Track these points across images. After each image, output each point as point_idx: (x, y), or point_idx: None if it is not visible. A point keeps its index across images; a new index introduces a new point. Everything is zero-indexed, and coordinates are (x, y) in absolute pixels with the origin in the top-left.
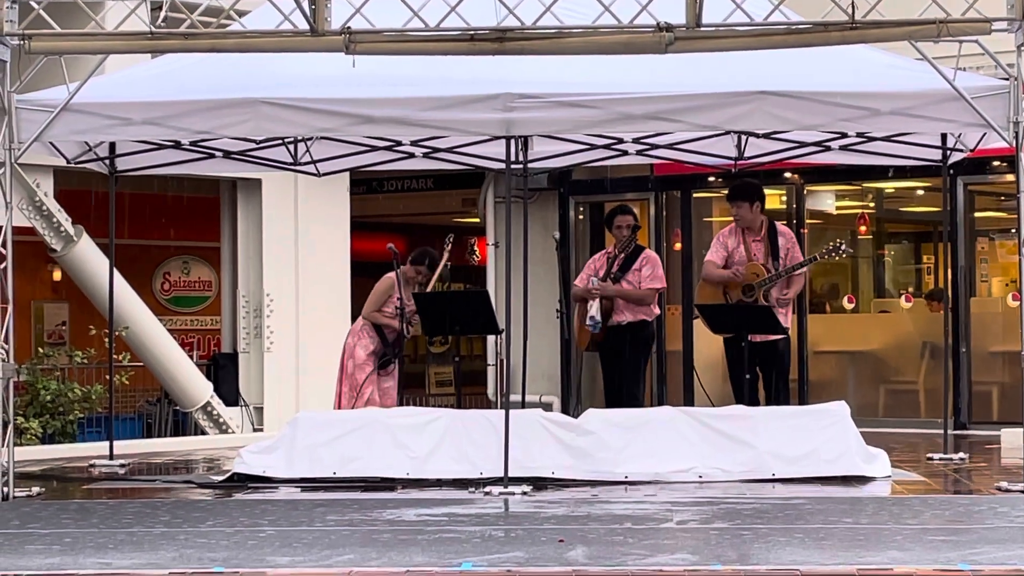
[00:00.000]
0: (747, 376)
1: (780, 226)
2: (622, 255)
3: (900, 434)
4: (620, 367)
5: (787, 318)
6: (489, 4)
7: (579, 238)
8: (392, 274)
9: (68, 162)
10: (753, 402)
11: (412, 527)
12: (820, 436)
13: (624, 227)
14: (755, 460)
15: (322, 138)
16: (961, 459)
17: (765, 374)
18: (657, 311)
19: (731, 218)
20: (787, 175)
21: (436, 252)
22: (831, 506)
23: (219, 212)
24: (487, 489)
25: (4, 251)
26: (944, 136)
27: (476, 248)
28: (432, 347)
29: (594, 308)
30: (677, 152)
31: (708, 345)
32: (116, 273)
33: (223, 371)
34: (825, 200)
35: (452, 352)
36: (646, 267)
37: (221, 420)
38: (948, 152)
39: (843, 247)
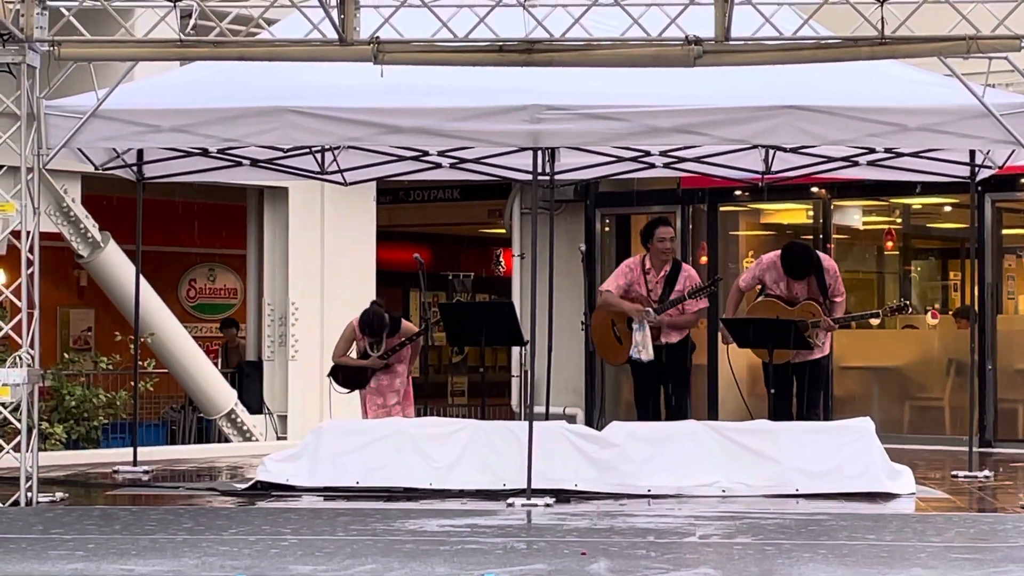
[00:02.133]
0: (771, 391)
1: (824, 260)
2: (663, 274)
3: (925, 451)
4: (662, 383)
5: (828, 337)
6: (518, 15)
7: (605, 250)
8: (352, 320)
9: (96, 168)
10: (783, 417)
11: (435, 538)
12: (844, 452)
13: (667, 239)
14: (779, 475)
15: (349, 147)
16: (986, 477)
17: (801, 393)
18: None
19: (759, 232)
20: (814, 190)
21: (381, 314)
22: (855, 522)
23: (245, 220)
24: (510, 501)
25: (31, 256)
26: (972, 152)
27: (502, 259)
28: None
29: (643, 338)
30: (704, 165)
31: (733, 359)
32: (142, 279)
33: (247, 379)
34: (852, 215)
35: (466, 362)
36: (691, 287)
37: (245, 428)
38: (976, 169)
39: (908, 308)
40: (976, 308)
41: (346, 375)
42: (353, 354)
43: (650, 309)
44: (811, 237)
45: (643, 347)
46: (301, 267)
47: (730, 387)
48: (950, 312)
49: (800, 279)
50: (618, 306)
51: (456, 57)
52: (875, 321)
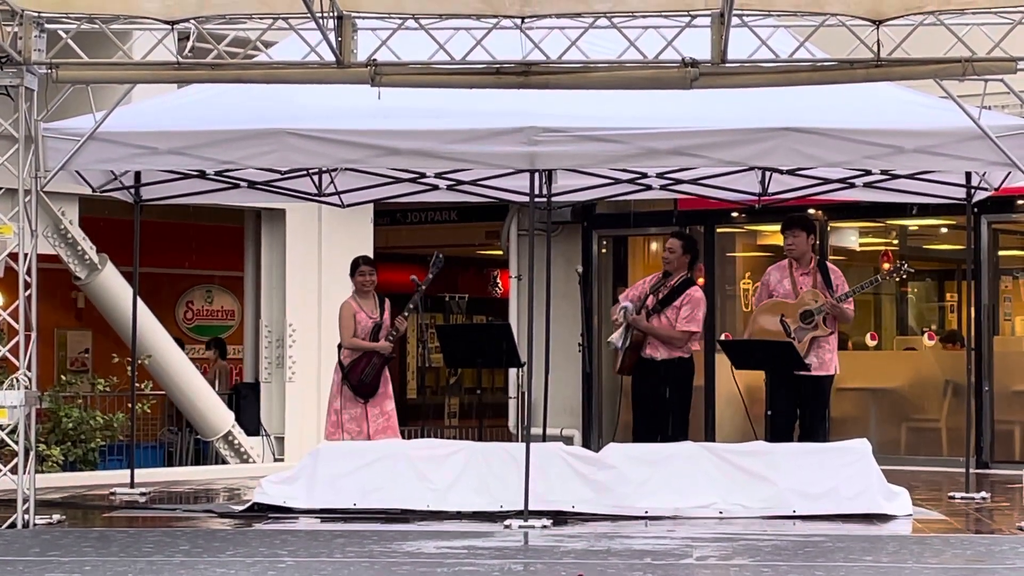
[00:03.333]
0: (768, 412)
1: (830, 264)
2: (668, 285)
3: (922, 472)
4: (653, 402)
5: (834, 356)
6: (515, 38)
7: (602, 272)
8: (346, 300)
9: (93, 191)
10: (784, 438)
11: (432, 559)
12: (841, 473)
13: (667, 251)
14: (776, 496)
15: (347, 169)
16: (983, 498)
17: (805, 411)
18: (696, 347)
19: (756, 253)
20: (811, 211)
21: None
22: (852, 544)
23: (243, 242)
24: (507, 522)
25: (29, 279)
26: (968, 174)
27: (499, 281)
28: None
29: (617, 333)
30: (701, 187)
31: (730, 380)
32: (139, 301)
33: (245, 400)
34: (849, 237)
35: (463, 384)
36: (686, 307)
37: (242, 449)
38: (972, 190)
39: (905, 266)
40: (972, 330)
41: (361, 383)
42: (358, 331)
43: (628, 305)
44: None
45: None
46: (298, 289)
47: (728, 407)
48: (938, 338)
49: (792, 228)
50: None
51: (453, 79)
52: (872, 342)
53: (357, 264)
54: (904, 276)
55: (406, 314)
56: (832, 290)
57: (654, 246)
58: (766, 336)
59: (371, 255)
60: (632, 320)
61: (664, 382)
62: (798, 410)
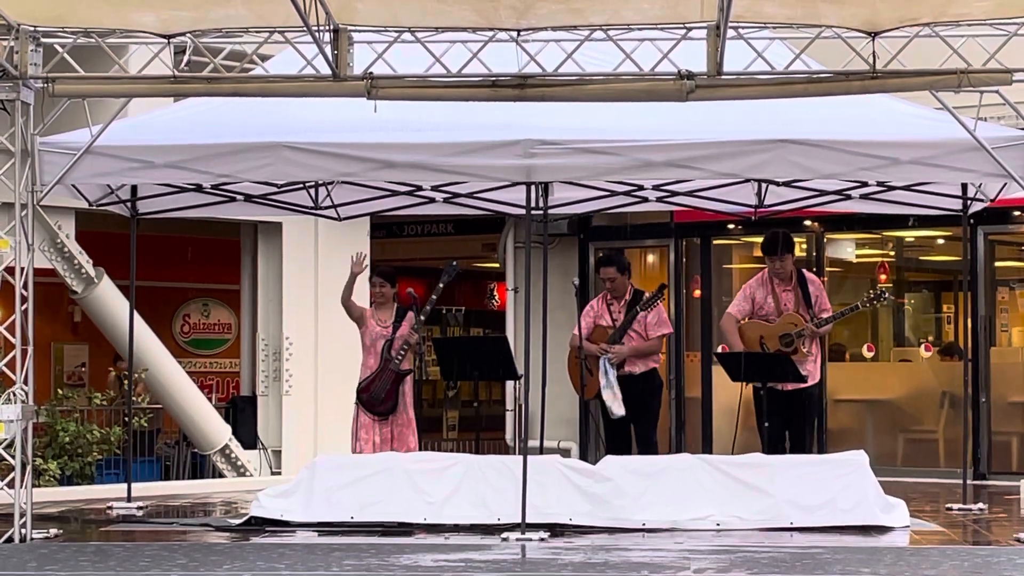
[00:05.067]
0: (766, 424)
1: (808, 274)
2: (621, 305)
3: (919, 483)
4: (632, 415)
5: (817, 366)
6: (511, 51)
7: (598, 284)
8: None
9: (90, 204)
10: (777, 450)
11: (429, 572)
12: (838, 485)
13: (606, 280)
14: (773, 508)
15: (343, 182)
16: (980, 509)
17: (793, 422)
18: (662, 357)
19: (752, 265)
20: (807, 223)
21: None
22: (849, 555)
23: (239, 255)
24: (504, 535)
25: (25, 292)
26: (964, 186)
27: (496, 293)
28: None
29: (609, 397)
30: (697, 199)
31: (727, 392)
32: (136, 315)
33: (242, 414)
34: (845, 248)
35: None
36: (651, 314)
37: (239, 463)
38: (968, 202)
39: (885, 295)
40: (969, 341)
41: (375, 400)
42: (367, 339)
43: (605, 347)
44: (811, 270)
45: (615, 397)
46: (295, 302)
47: (721, 419)
48: (936, 350)
49: (776, 254)
50: (584, 347)
51: (449, 92)
52: (869, 354)
53: (369, 276)
54: (884, 304)
55: (415, 326)
56: (811, 307)
57: (651, 258)
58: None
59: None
60: (616, 354)
61: (643, 393)
62: (788, 420)
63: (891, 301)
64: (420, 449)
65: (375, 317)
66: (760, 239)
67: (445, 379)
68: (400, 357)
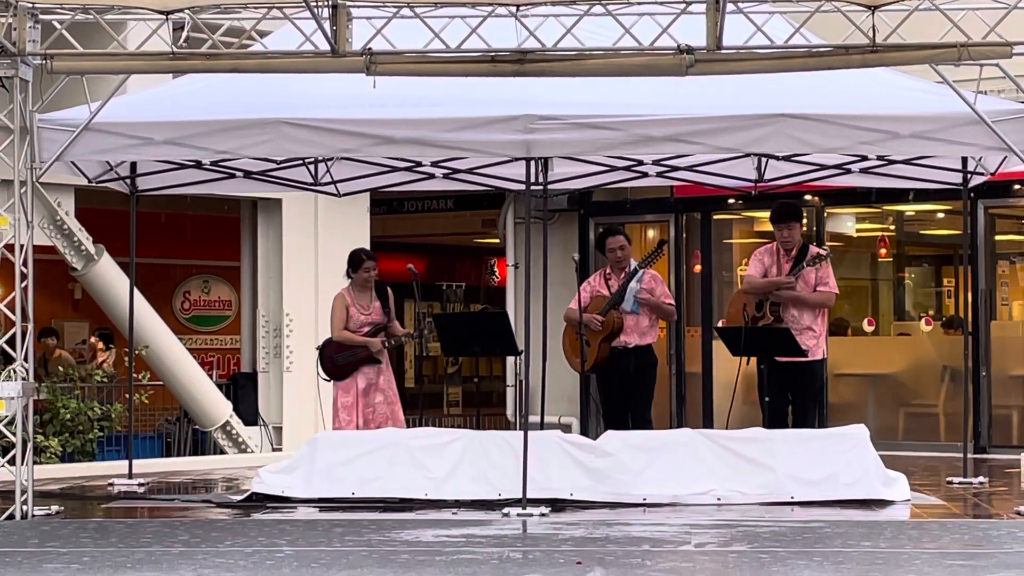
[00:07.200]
0: (766, 399)
1: (813, 248)
2: (621, 275)
3: (919, 458)
4: (625, 389)
5: (820, 342)
6: (510, 26)
7: (599, 259)
8: (340, 292)
9: (89, 181)
10: (779, 425)
11: (430, 548)
12: (839, 459)
13: (616, 248)
14: (774, 483)
15: (342, 158)
16: (981, 483)
17: (796, 398)
18: (661, 333)
19: (753, 240)
20: (807, 197)
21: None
22: (850, 529)
23: (239, 232)
24: (505, 510)
25: (25, 270)
26: (965, 159)
27: (496, 269)
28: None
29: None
30: (697, 174)
31: (727, 367)
32: (136, 292)
33: (242, 390)
34: (845, 222)
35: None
36: (659, 286)
37: (240, 439)
38: (969, 175)
39: (828, 254)
40: (969, 315)
41: (335, 365)
42: (350, 325)
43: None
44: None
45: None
46: (295, 278)
47: (722, 394)
48: (939, 323)
49: (783, 222)
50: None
51: (448, 68)
52: (869, 328)
53: (360, 260)
54: (817, 264)
55: (407, 339)
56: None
57: (651, 233)
58: (734, 323)
59: (367, 245)
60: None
61: (638, 369)
62: (790, 396)
63: (829, 256)
64: (416, 424)
65: (356, 304)
66: (761, 214)
67: (446, 355)
68: (387, 348)
